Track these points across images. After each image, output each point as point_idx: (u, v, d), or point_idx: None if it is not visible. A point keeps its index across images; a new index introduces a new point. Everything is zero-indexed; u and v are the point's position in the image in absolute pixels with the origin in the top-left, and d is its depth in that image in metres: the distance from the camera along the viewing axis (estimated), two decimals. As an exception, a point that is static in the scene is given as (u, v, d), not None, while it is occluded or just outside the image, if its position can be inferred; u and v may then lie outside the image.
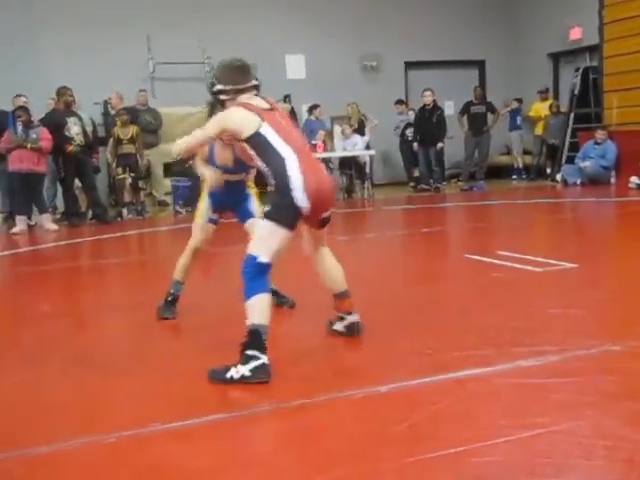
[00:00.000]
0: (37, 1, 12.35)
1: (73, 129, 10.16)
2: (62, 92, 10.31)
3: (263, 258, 3.31)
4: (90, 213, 10.74)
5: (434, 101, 12.99)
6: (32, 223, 10.29)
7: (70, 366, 3.70)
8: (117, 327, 4.52)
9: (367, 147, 12.72)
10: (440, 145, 12.86)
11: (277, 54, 13.83)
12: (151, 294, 4.86)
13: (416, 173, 13.66)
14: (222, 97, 3.64)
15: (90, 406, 3.11)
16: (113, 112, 11.51)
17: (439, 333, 3.92)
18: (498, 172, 14.43)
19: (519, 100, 14.18)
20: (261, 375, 3.15)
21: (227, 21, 13.34)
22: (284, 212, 3.37)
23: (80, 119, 10.41)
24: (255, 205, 4.58)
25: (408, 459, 2.41)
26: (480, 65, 15.83)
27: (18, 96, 10.54)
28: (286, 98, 13.68)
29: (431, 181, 13.07)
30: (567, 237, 7.62)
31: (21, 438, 2.76)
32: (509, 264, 5.65)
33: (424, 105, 13.03)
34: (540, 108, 13.96)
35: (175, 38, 12.90)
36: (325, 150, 12.14)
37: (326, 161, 12.51)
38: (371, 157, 12.78)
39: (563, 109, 13.63)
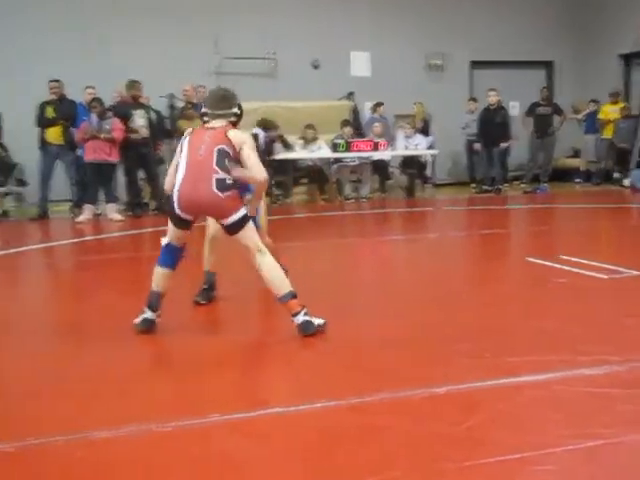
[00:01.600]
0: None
1: (138, 121, 10.33)
2: (130, 85, 10.50)
3: (164, 241, 4.08)
4: (153, 204, 10.91)
5: (499, 101, 12.82)
6: (97, 212, 10.52)
7: (133, 352, 3.78)
8: (180, 317, 4.58)
9: (430, 147, 12.63)
10: (504, 146, 12.68)
11: (342, 51, 13.83)
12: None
13: (479, 174, 13.48)
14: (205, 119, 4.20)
15: (150, 393, 3.17)
16: (181, 105, 11.63)
17: (498, 337, 3.87)
18: (563, 175, 14.15)
19: (595, 101, 13.85)
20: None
21: (293, 17, 13.40)
22: (170, 214, 4.01)
23: (148, 112, 10.58)
24: (261, 214, 4.79)
25: (466, 462, 2.39)
26: (548, 66, 15.54)
27: (88, 88, 10.77)
28: (350, 95, 13.68)
29: (493, 182, 12.89)
30: (634, 244, 7.42)
31: (83, 421, 2.83)
32: (573, 269, 5.54)
33: (488, 105, 12.87)
34: (610, 111, 13.62)
35: (241, 34, 13.02)
36: (387, 148, 12.07)
37: (383, 162, 12.48)
38: (434, 157, 12.68)
39: (634, 112, 13.29)
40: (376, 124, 12.49)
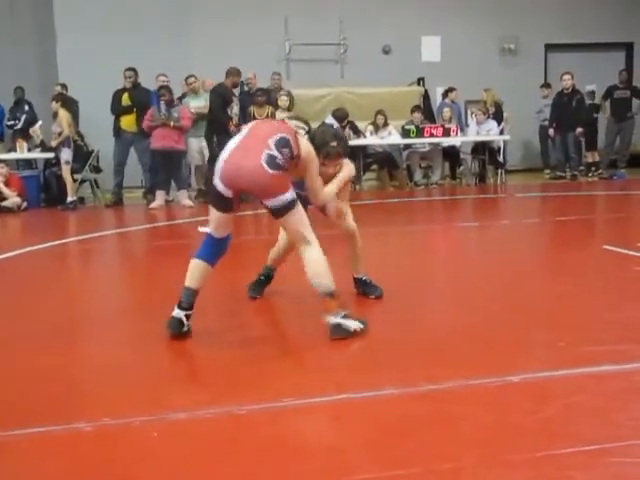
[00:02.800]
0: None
1: (234, 109, 10.34)
2: (233, 72, 10.28)
3: (205, 230, 3.85)
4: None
5: (573, 85, 12.47)
6: (170, 199, 10.70)
7: (206, 337, 3.82)
8: (260, 303, 4.61)
9: (502, 132, 12.40)
10: (579, 131, 12.35)
11: (413, 35, 13.67)
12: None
13: (553, 160, 13.17)
14: None
15: (227, 378, 3.21)
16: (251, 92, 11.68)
17: (574, 326, 3.77)
18: (642, 161, 13.70)
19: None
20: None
21: (364, 2, 13.30)
22: (210, 195, 3.84)
23: (239, 100, 10.63)
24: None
25: (540, 453, 2.34)
26: (628, 47, 15.02)
27: (160, 76, 10.94)
28: (420, 81, 13.54)
29: (567, 169, 12.58)
30: None
31: (160, 404, 2.89)
32: (652, 258, 5.36)
33: (562, 89, 12.53)
34: (691, 94, 13.12)
35: (312, 20, 13.01)
36: (458, 134, 11.89)
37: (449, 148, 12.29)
38: (505, 142, 12.43)
39: None
40: (445, 109, 12.32)
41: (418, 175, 12.14)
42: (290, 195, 3.57)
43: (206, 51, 11.98)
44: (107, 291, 5.37)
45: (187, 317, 3.73)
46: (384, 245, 6.83)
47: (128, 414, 2.76)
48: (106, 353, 3.65)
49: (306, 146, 3.73)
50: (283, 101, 11.16)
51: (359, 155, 11.63)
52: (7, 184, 10.16)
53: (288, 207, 3.57)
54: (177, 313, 3.71)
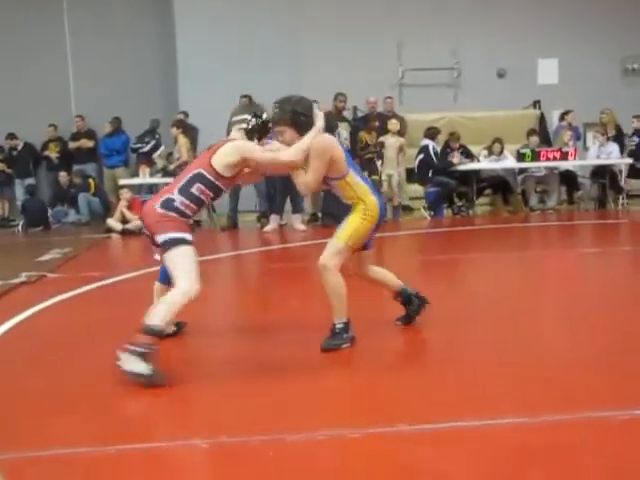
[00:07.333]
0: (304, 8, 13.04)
1: (342, 134, 10.48)
2: (335, 97, 10.81)
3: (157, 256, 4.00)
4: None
5: None
6: (283, 222, 10.85)
7: (313, 362, 3.83)
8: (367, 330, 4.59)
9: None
10: None
11: (529, 58, 13.44)
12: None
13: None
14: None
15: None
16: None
17: None
18: None
19: None
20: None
21: (477, 25, 13.19)
22: None
23: (349, 125, 10.79)
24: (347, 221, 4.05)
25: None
26: None
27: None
28: (535, 104, 13.30)
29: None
30: None
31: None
32: None
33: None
34: None
35: (424, 44, 13.01)
36: (577, 157, 11.55)
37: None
38: (627, 166, 11.96)
39: None
40: (564, 132, 12.01)
41: (534, 200, 11.85)
42: (172, 236, 3.64)
43: (323, 77, 12.12)
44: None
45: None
46: (493, 271, 6.70)
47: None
48: (214, 366, 3.70)
49: (225, 149, 3.77)
50: (393, 124, 11.24)
51: (472, 179, 11.48)
52: (130, 208, 10.63)
53: (167, 246, 3.64)
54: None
